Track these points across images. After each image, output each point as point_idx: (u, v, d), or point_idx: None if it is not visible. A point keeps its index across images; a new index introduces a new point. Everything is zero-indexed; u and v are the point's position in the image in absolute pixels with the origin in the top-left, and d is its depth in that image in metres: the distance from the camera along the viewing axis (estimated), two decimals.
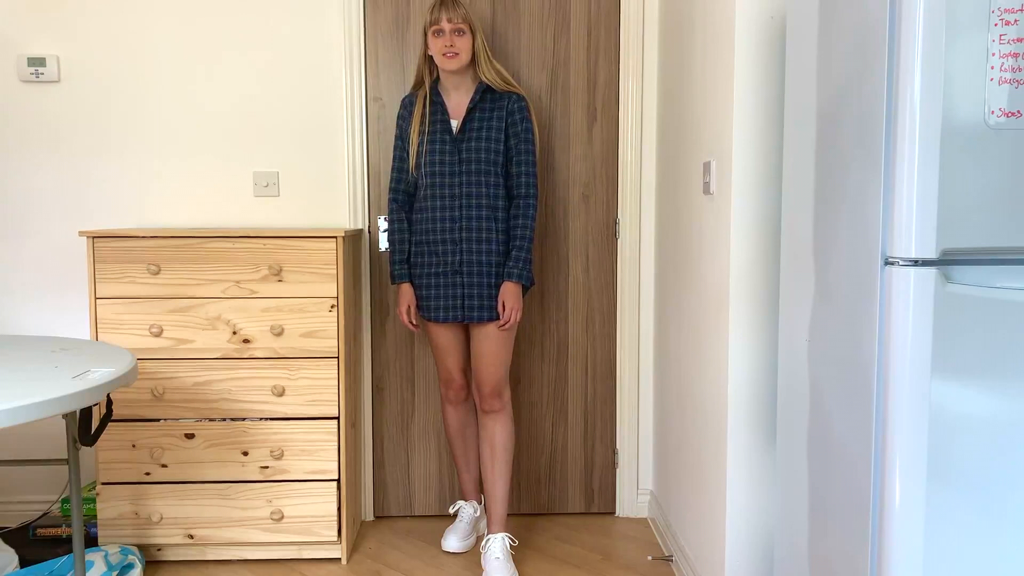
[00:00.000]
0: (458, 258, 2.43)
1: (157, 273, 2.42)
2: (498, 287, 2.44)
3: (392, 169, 2.57)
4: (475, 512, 2.74)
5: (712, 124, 2.14)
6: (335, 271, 2.45)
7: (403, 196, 2.55)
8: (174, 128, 2.80)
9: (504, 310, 2.42)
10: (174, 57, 2.78)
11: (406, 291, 2.52)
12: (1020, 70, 1.27)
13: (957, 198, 1.29)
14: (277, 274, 2.44)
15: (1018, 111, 1.28)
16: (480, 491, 2.76)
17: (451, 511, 2.81)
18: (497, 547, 2.46)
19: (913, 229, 1.30)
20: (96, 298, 2.43)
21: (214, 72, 2.79)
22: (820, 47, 1.58)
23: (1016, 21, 1.27)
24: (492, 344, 2.46)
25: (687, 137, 2.41)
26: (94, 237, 2.41)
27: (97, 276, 2.42)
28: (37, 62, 2.74)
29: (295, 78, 2.80)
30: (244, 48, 2.79)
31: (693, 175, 2.34)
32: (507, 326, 2.43)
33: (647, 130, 2.86)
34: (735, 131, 1.95)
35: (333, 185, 2.84)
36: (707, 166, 2.16)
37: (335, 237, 2.44)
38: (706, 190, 2.17)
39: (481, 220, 2.42)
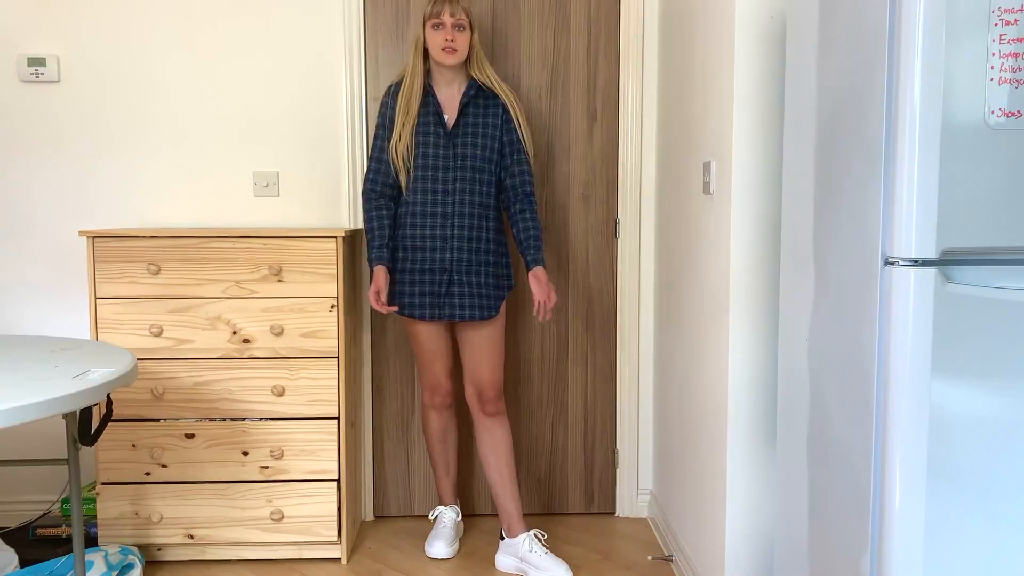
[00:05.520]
0: (448, 256, 2.37)
1: (157, 273, 2.42)
2: (490, 286, 2.41)
3: (371, 159, 2.46)
4: (456, 516, 2.68)
5: (712, 124, 2.14)
6: (335, 271, 2.45)
7: (382, 187, 2.44)
8: (174, 128, 2.80)
9: (544, 297, 2.33)
10: (174, 57, 2.78)
11: (380, 273, 2.39)
12: (1020, 70, 1.27)
13: (957, 198, 1.29)
14: (277, 274, 2.44)
15: (1018, 111, 1.28)
16: (457, 495, 2.76)
17: (431, 516, 2.70)
18: (537, 545, 2.44)
19: (913, 229, 1.30)
20: (96, 298, 2.43)
21: (214, 72, 2.79)
22: (820, 47, 1.58)
23: (1016, 21, 1.27)
24: (488, 345, 2.44)
25: (687, 137, 2.41)
26: (94, 237, 2.41)
27: (97, 276, 2.42)
28: (37, 62, 2.74)
29: (295, 78, 2.80)
30: (244, 48, 2.79)
31: (693, 175, 2.34)
32: (551, 308, 2.31)
33: (647, 130, 2.85)
34: (735, 131, 1.95)
35: (333, 185, 2.84)
36: (707, 166, 2.16)
37: (335, 237, 2.44)
38: (706, 190, 2.17)
39: (474, 218, 2.38)
